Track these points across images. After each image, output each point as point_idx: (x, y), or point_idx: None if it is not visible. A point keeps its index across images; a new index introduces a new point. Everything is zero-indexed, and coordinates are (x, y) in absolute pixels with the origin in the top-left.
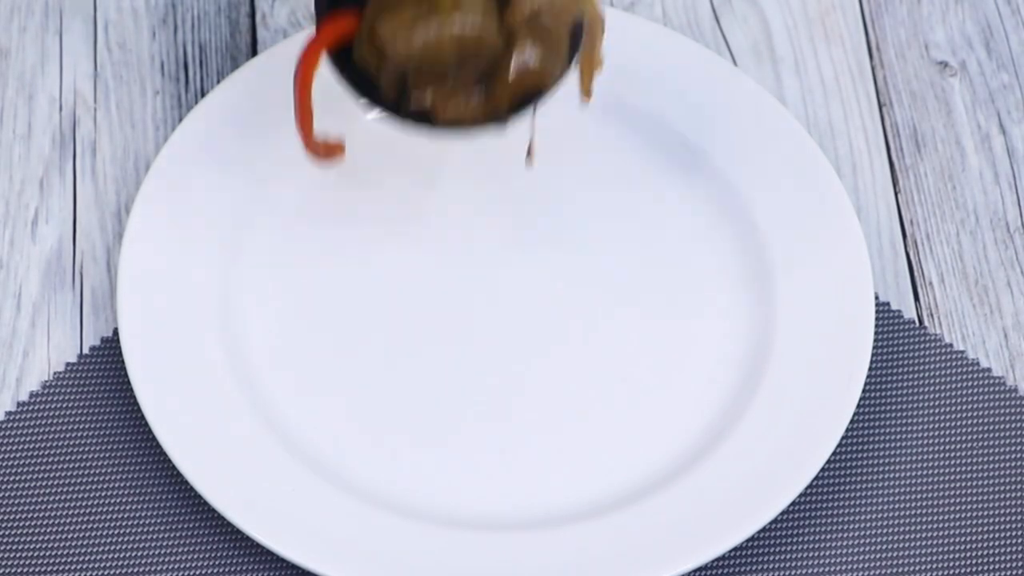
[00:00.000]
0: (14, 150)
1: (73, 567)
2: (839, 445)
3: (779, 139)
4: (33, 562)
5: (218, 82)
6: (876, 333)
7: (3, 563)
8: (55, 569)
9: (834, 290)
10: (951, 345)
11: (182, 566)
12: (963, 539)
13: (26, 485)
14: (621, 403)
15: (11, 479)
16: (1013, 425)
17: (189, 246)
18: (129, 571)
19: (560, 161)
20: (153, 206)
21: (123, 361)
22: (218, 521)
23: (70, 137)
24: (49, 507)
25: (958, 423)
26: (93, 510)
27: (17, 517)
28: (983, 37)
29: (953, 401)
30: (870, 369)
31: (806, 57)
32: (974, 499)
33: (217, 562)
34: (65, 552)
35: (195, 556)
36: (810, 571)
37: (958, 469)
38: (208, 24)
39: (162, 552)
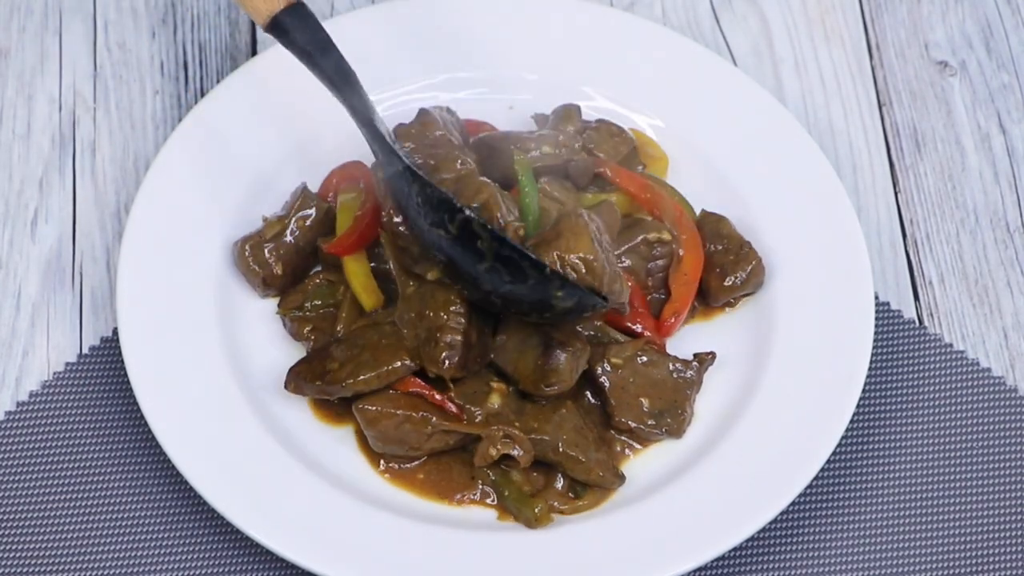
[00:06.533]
0: (14, 150)
1: (73, 567)
2: (839, 445)
3: (779, 139)
4: (33, 562)
5: (218, 82)
6: (876, 333)
7: (3, 563)
8: (55, 569)
9: (834, 290)
10: (951, 345)
11: (182, 566)
12: (963, 539)
13: (26, 485)
14: None
15: (11, 479)
16: (1013, 425)
17: (189, 246)
18: (129, 571)
19: None
20: (153, 206)
21: (123, 361)
22: (218, 521)
23: (70, 137)
24: (49, 507)
25: (958, 423)
26: (93, 510)
27: (17, 517)
28: (983, 37)
29: (953, 401)
30: (870, 369)
31: (806, 57)
32: (974, 499)
33: (217, 562)
34: (65, 552)
35: (195, 556)
36: (810, 571)
37: (958, 469)
38: (208, 24)
39: (162, 552)
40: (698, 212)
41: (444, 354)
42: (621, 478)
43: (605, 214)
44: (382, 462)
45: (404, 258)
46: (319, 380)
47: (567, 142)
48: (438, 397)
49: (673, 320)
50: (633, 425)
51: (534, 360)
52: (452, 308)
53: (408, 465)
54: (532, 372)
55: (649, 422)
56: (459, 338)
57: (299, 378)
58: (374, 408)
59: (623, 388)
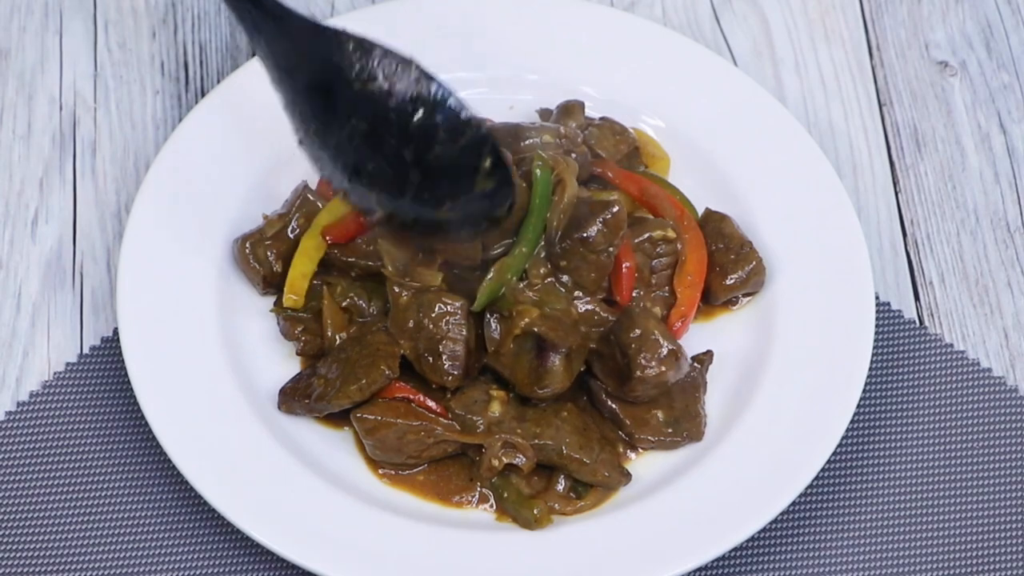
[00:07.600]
0: (14, 150)
1: (73, 567)
2: (839, 445)
3: (779, 139)
4: (33, 562)
5: (218, 82)
6: (876, 333)
7: (3, 563)
8: (55, 569)
9: (834, 290)
10: (951, 345)
11: (182, 566)
12: (963, 539)
13: (26, 485)
14: None
15: (11, 479)
16: (1013, 425)
17: (189, 246)
18: (129, 571)
19: None
20: (153, 206)
21: (123, 361)
22: (218, 521)
23: (70, 137)
24: (49, 507)
25: (958, 423)
26: (93, 510)
27: (17, 517)
28: (983, 37)
29: (953, 401)
30: (870, 369)
31: (806, 57)
32: (974, 499)
33: (217, 562)
34: (65, 552)
35: (195, 556)
36: (810, 571)
37: (958, 469)
38: (208, 24)
39: (162, 552)
40: (700, 212)
41: (447, 365)
42: (627, 476)
43: (612, 218)
44: (380, 468)
45: (400, 261)
46: (307, 399)
47: (569, 133)
48: (425, 400)
49: (680, 324)
50: (654, 439)
51: (528, 363)
52: (452, 318)
53: (406, 472)
54: (527, 375)
55: (668, 430)
56: (461, 348)
57: (289, 399)
58: (373, 417)
59: (633, 406)
